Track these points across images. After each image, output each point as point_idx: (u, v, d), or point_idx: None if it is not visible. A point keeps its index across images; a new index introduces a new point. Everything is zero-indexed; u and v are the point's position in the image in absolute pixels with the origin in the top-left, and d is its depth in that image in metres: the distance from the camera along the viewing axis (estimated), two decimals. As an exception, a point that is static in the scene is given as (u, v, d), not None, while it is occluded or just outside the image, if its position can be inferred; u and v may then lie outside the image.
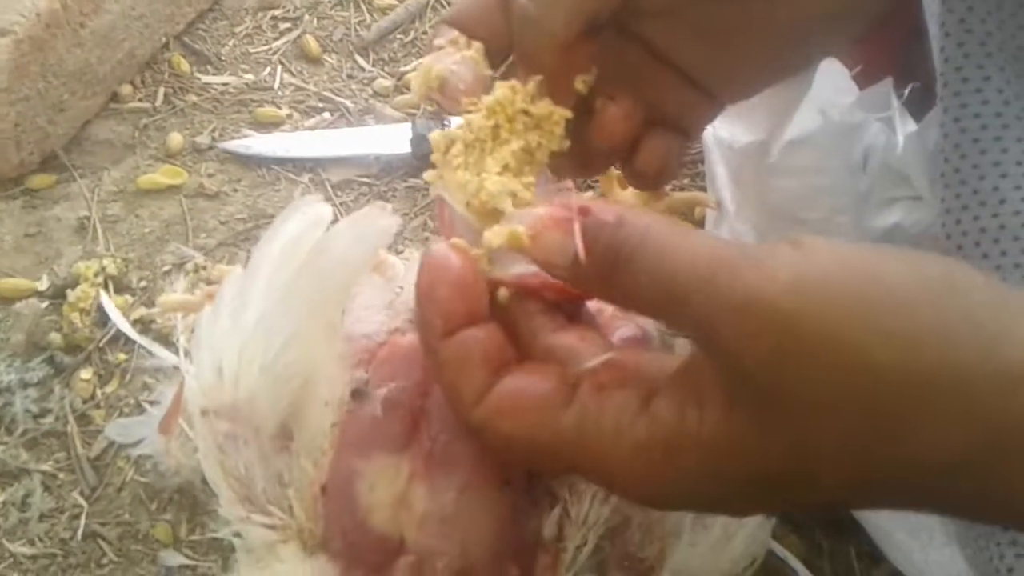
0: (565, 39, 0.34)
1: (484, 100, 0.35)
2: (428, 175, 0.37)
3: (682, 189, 0.61)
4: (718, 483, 0.28)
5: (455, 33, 0.36)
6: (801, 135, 0.47)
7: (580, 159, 0.38)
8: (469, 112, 0.35)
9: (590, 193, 0.66)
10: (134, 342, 0.57)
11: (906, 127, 0.50)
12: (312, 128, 0.73)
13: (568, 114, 0.35)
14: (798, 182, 0.49)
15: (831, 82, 0.47)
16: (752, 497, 0.28)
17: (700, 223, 0.62)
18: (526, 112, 0.35)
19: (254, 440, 0.46)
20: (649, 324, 0.51)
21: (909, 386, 0.25)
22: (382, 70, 0.77)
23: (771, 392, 0.25)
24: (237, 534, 0.47)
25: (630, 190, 0.59)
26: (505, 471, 0.42)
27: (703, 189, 0.61)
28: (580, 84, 0.36)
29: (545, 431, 0.29)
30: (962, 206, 0.42)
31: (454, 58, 0.36)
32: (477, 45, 0.36)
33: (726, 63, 0.39)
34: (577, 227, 0.28)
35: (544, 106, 0.35)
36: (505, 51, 0.37)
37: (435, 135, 0.36)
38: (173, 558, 0.52)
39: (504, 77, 0.36)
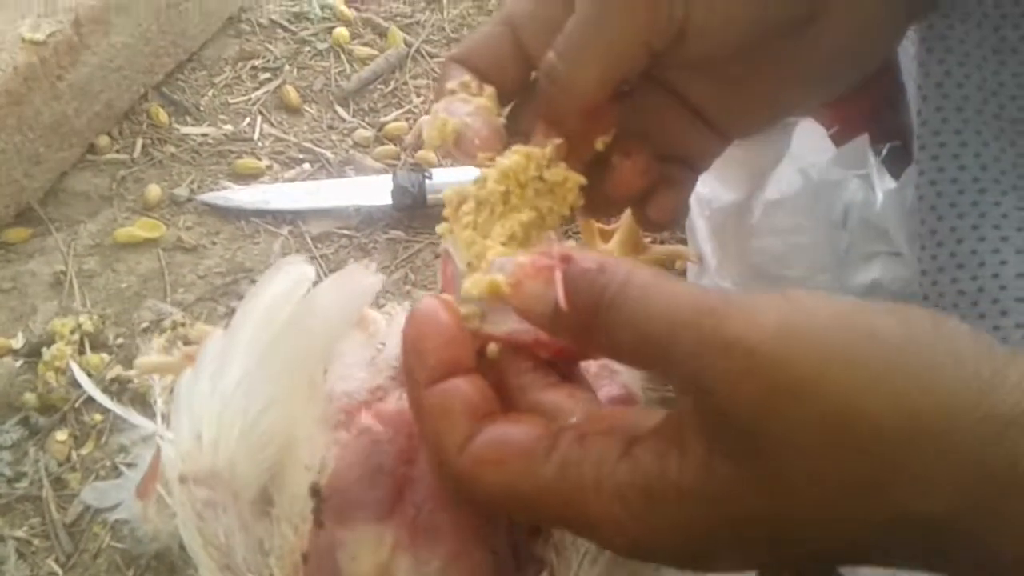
0: (594, 101, 0.34)
1: (498, 162, 0.34)
2: (440, 228, 0.36)
3: (663, 242, 0.61)
4: (700, 532, 0.27)
5: (466, 76, 0.36)
6: (781, 195, 0.48)
7: (593, 206, 0.38)
8: (484, 166, 0.35)
9: (572, 242, 0.66)
10: (111, 401, 0.56)
11: (884, 184, 0.51)
12: (292, 179, 0.72)
13: (583, 180, 0.35)
14: (779, 241, 0.50)
15: (809, 142, 0.48)
16: (736, 549, 0.27)
17: (681, 276, 0.62)
18: (540, 178, 0.35)
19: (233, 507, 0.46)
20: (634, 383, 0.51)
21: (898, 432, 0.25)
22: (362, 120, 0.77)
23: (755, 437, 0.25)
24: (217, 603, 0.46)
25: (613, 241, 0.59)
26: (491, 539, 0.41)
27: (684, 242, 0.61)
28: (600, 145, 0.36)
29: (527, 480, 0.28)
30: (938, 268, 0.42)
31: (467, 108, 0.35)
32: (489, 91, 0.36)
33: (739, 103, 0.39)
34: (558, 275, 0.28)
35: (559, 172, 0.35)
36: (515, 95, 0.37)
37: (448, 192, 0.35)
38: (151, 629, 0.50)
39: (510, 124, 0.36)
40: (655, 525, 0.27)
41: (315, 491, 0.43)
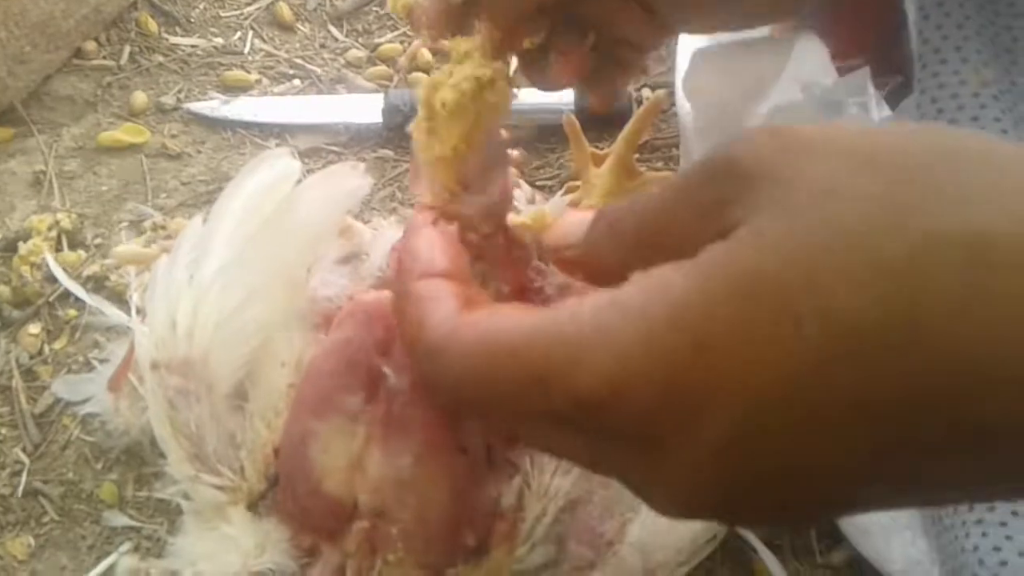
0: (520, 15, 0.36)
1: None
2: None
3: (657, 170, 0.61)
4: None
5: None
6: (784, 103, 0.47)
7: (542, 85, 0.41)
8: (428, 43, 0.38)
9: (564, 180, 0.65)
10: (86, 299, 0.56)
11: (881, 112, 0.50)
12: (281, 94, 0.71)
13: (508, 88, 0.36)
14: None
15: (812, 61, 0.47)
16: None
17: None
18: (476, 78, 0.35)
19: (206, 397, 0.45)
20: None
21: (932, 155, 0.21)
22: (356, 41, 0.76)
23: (773, 191, 0.21)
24: (185, 496, 0.45)
25: (604, 167, 0.58)
26: (463, 438, 0.41)
27: (676, 167, 0.60)
28: (528, 44, 0.40)
29: (513, 333, 0.24)
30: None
31: None
32: None
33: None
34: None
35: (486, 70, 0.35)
36: None
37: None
38: (117, 518, 0.50)
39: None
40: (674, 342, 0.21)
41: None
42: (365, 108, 0.68)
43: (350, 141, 0.68)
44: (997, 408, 0.19)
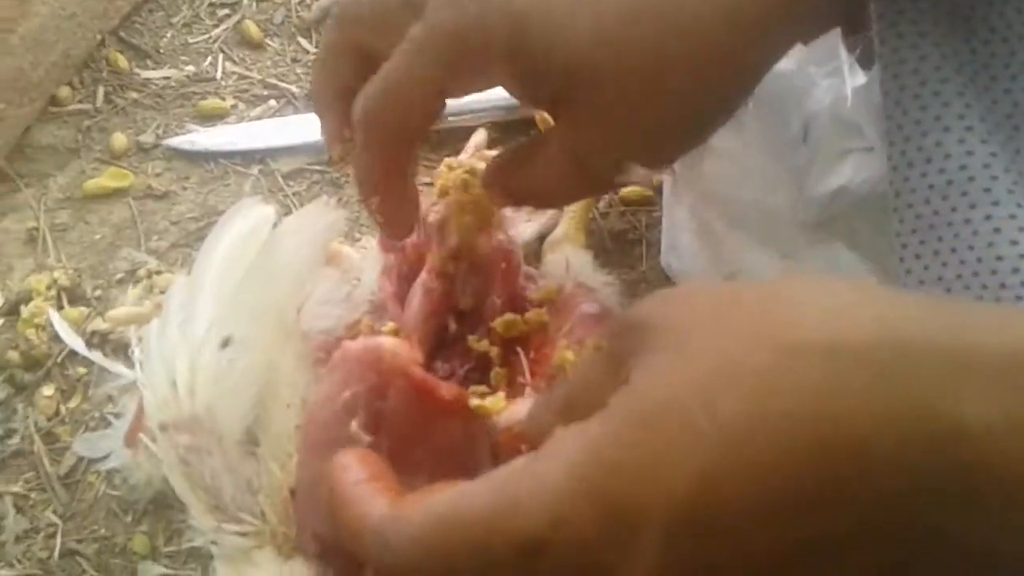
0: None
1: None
2: None
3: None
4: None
5: None
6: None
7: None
8: None
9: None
10: (94, 354, 0.57)
11: (855, 79, 0.50)
12: (258, 118, 0.71)
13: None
14: (729, 163, 0.49)
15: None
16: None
17: (659, 189, 0.61)
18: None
19: (218, 450, 0.46)
20: (610, 299, 0.51)
21: (779, 290, 0.26)
22: (326, 51, 0.75)
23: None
24: (214, 542, 0.46)
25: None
26: (471, 463, 0.42)
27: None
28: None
29: (454, 498, 0.26)
30: (908, 163, 0.42)
31: None
32: None
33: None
34: None
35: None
36: None
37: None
38: (152, 569, 0.51)
39: None
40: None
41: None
42: (342, 122, 0.68)
43: (333, 152, 0.68)
44: (878, 484, 0.22)
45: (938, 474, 0.22)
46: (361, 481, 0.29)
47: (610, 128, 0.36)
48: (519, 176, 0.40)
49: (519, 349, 0.46)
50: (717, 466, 0.23)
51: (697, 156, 0.50)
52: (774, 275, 0.49)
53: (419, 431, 0.39)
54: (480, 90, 0.37)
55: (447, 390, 0.39)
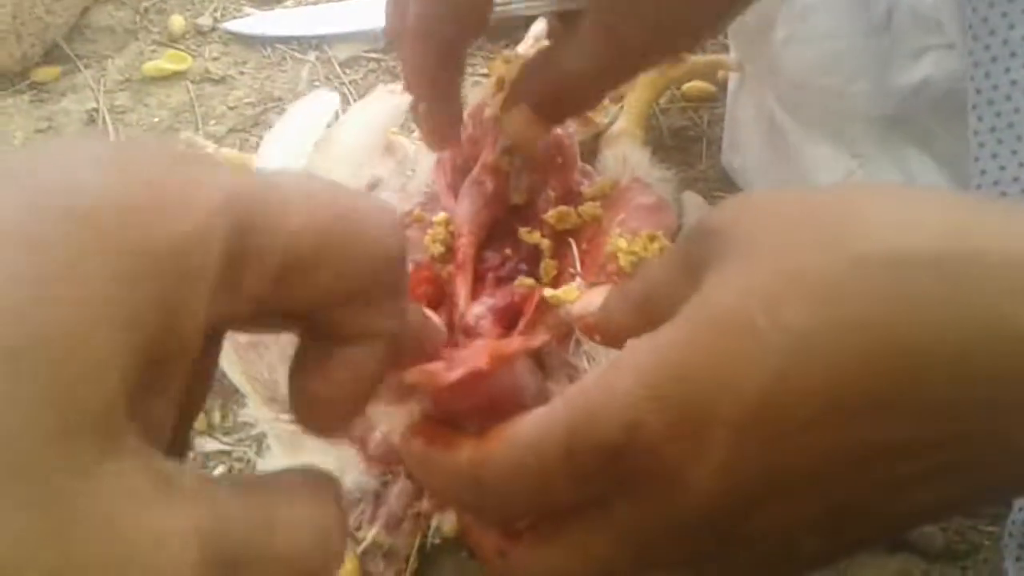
0: None
1: None
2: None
3: (703, 52, 0.58)
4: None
5: None
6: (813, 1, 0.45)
7: None
8: None
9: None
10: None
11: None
12: (315, 2, 0.70)
13: None
14: (812, 49, 0.47)
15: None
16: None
17: (723, 86, 0.59)
18: None
19: (275, 344, 0.47)
20: (665, 190, 0.50)
21: (848, 202, 0.26)
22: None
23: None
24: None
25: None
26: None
27: (726, 49, 0.58)
28: None
29: (532, 423, 0.26)
30: (991, 58, 0.40)
31: None
32: None
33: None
34: None
35: None
36: None
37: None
38: (209, 444, 0.53)
39: None
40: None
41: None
42: (400, 9, 0.66)
43: (388, 45, 0.67)
44: (931, 391, 0.23)
45: (1001, 383, 0.22)
46: (433, 443, 0.29)
47: None
48: (550, 72, 0.39)
49: (571, 240, 0.45)
50: (783, 369, 0.23)
51: (775, 44, 0.48)
52: (842, 176, 0.47)
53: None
54: None
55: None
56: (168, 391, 0.18)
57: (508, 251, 0.46)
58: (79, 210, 0.16)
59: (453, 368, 0.28)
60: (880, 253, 0.24)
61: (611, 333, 0.30)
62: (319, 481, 0.21)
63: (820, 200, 0.27)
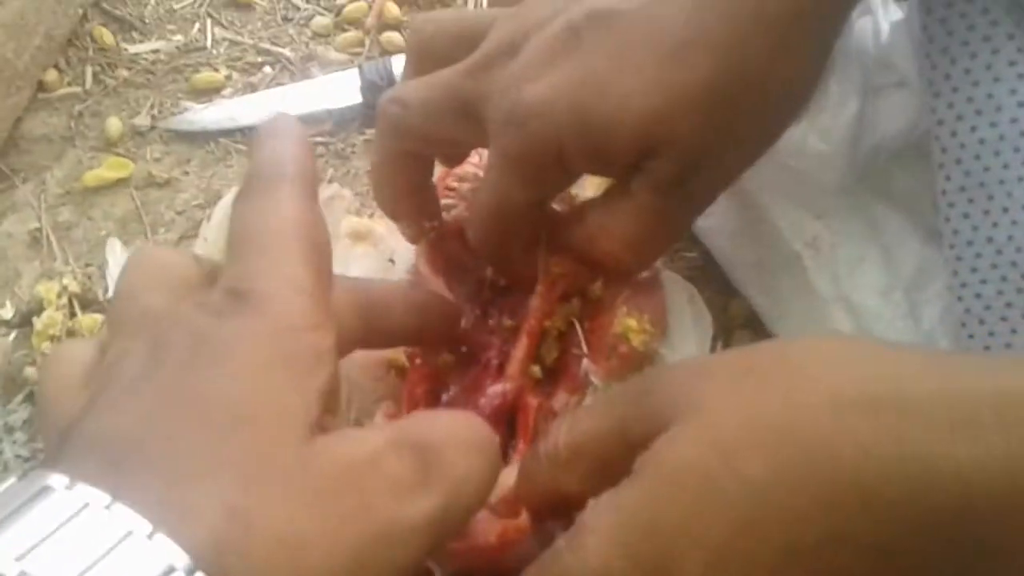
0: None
1: None
2: None
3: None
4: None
5: None
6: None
7: None
8: None
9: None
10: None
11: (889, 15, 0.46)
12: (255, 88, 0.68)
13: None
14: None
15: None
16: None
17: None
18: None
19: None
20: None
21: (790, 356, 0.29)
22: (318, 5, 0.71)
23: None
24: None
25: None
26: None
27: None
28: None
29: None
30: (956, 116, 0.38)
31: None
32: None
33: None
34: None
35: None
36: None
37: None
38: None
39: None
40: None
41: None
42: (342, 89, 0.64)
43: (335, 127, 0.65)
44: (883, 527, 0.25)
45: (942, 519, 0.24)
46: None
47: (708, 159, 0.37)
48: (603, 228, 0.39)
49: (575, 321, 0.43)
50: (745, 517, 0.25)
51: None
52: (810, 239, 0.46)
53: None
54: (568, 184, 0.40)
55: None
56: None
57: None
58: None
59: (463, 536, 0.32)
60: (822, 400, 0.26)
61: (534, 499, 0.33)
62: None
63: (760, 356, 0.29)
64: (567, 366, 0.42)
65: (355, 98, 0.64)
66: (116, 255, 0.58)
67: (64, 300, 0.58)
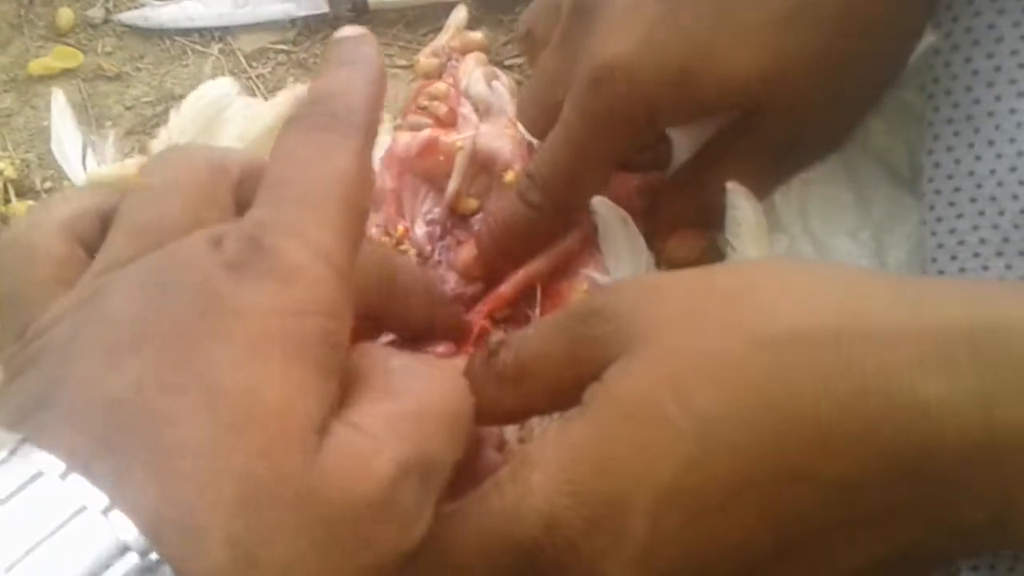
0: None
1: None
2: None
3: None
4: None
5: None
6: None
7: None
8: None
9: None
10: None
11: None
12: (218, -10, 0.64)
13: None
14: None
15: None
16: None
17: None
18: None
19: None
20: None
21: (749, 283, 0.28)
22: (290, -88, 0.68)
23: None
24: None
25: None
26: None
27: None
28: None
29: (457, 529, 0.28)
30: (952, 46, 0.37)
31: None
32: None
33: None
34: None
35: None
36: None
37: None
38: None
39: None
40: None
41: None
42: (309, -3, 0.61)
43: (298, 36, 0.62)
44: (842, 463, 0.24)
45: (902, 452, 0.24)
46: None
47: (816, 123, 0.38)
48: (714, 180, 0.39)
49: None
50: (695, 453, 0.25)
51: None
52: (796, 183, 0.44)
53: None
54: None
55: None
56: None
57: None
58: None
59: None
60: (781, 333, 0.25)
61: (482, 409, 0.30)
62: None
63: (719, 282, 0.28)
64: (516, 323, 0.43)
65: (322, 7, 0.61)
66: (59, 104, 0.53)
67: (0, 184, 0.54)
